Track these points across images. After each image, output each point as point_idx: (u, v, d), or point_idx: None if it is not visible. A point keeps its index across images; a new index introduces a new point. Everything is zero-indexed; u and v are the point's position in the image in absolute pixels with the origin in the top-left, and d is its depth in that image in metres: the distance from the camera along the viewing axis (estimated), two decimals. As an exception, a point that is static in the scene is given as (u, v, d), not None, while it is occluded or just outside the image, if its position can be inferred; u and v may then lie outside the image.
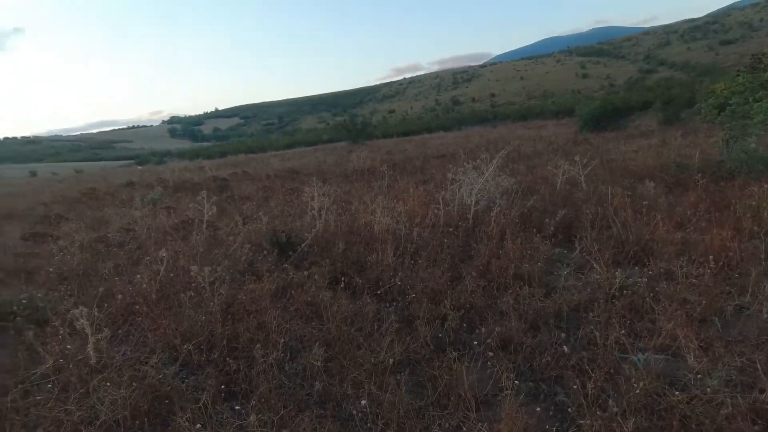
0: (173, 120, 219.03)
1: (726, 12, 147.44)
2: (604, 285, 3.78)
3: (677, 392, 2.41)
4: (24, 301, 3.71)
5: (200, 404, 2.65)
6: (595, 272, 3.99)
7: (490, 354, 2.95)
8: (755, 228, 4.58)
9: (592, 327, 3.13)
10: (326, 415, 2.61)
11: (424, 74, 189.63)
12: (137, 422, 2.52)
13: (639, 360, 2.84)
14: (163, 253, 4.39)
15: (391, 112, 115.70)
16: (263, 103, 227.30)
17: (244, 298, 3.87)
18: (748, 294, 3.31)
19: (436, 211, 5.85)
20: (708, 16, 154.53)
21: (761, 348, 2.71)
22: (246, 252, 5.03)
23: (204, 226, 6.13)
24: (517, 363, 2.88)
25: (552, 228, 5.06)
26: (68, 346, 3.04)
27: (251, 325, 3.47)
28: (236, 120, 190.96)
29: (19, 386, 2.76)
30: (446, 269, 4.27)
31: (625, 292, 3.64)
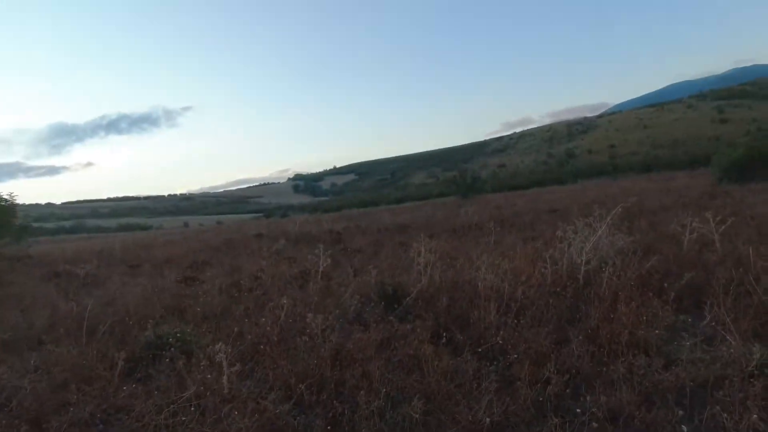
0: (297, 177, 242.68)
1: None
2: (739, 360, 3.34)
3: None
4: (177, 335, 4.46)
5: (309, 441, 2.92)
6: (728, 345, 3.56)
7: (595, 425, 2.79)
8: None
9: (720, 408, 2.80)
10: (423, 468, 2.69)
11: (536, 128, 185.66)
12: (257, 450, 2.86)
13: (783, 452, 2.47)
14: (284, 300, 4.94)
15: (501, 166, 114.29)
16: (377, 159, 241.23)
17: (351, 346, 4.16)
18: None
19: (543, 270, 5.70)
20: None
21: None
22: (355, 303, 5.41)
23: (319, 276, 6.72)
24: (627, 438, 2.69)
25: (674, 292, 4.62)
26: (207, 376, 3.58)
27: (357, 373, 3.72)
28: (352, 176, 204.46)
29: (171, 406, 3.31)
30: (551, 331, 4.15)
31: (766, 371, 3.19)
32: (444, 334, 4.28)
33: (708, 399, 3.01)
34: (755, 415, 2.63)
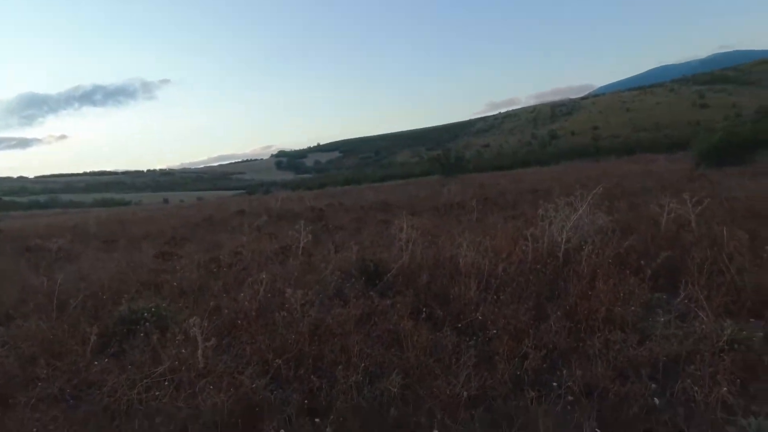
0: (280, 154, 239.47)
1: None
2: (710, 336, 3.41)
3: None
4: (153, 309, 4.36)
5: (285, 416, 2.89)
6: (701, 322, 3.63)
7: (571, 398, 2.83)
8: None
9: (691, 381, 2.86)
10: (399, 441, 2.69)
11: (521, 108, 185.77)
12: (232, 425, 2.82)
13: (750, 425, 2.53)
14: (263, 275, 4.87)
15: (486, 146, 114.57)
16: (361, 137, 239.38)
17: (330, 321, 4.13)
18: None
19: (523, 248, 5.73)
20: None
21: None
22: (335, 278, 5.36)
23: (300, 252, 6.65)
24: (601, 411, 2.73)
25: (650, 270, 4.69)
26: (182, 351, 3.51)
27: (335, 347, 3.69)
28: (336, 154, 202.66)
29: (144, 381, 3.24)
30: (530, 307, 4.17)
31: (736, 346, 3.26)
32: (424, 310, 4.27)
33: (680, 373, 3.07)
34: (725, 389, 2.70)
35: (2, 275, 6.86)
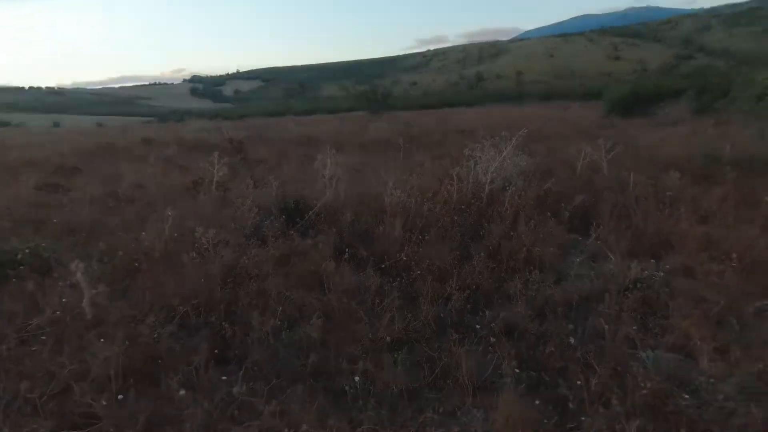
0: (195, 79, 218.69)
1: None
2: (617, 276, 3.61)
3: (686, 395, 2.29)
4: (28, 251, 3.71)
5: (192, 367, 2.61)
6: (610, 262, 3.83)
7: (493, 339, 2.85)
8: (786, 227, 4.32)
9: (601, 319, 3.00)
10: (318, 389, 2.56)
11: (450, 47, 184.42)
12: (128, 380, 2.49)
13: (648, 357, 2.72)
14: (169, 211, 4.33)
15: (414, 84, 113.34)
16: (285, 67, 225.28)
17: (246, 262, 3.81)
18: (773, 297, 3.13)
19: (449, 188, 5.68)
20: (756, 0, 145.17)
21: (782, 355, 2.55)
22: (253, 216, 4.96)
23: (214, 187, 6.07)
24: (520, 351, 2.78)
25: (568, 213, 4.86)
26: (63, 300, 3.02)
27: (251, 291, 3.43)
28: (258, 83, 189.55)
29: (16, 335, 2.76)
30: (455, 247, 4.16)
31: (639, 285, 3.48)
32: (347, 250, 4.09)
33: (591, 311, 3.22)
34: (635, 327, 2.86)
35: None
